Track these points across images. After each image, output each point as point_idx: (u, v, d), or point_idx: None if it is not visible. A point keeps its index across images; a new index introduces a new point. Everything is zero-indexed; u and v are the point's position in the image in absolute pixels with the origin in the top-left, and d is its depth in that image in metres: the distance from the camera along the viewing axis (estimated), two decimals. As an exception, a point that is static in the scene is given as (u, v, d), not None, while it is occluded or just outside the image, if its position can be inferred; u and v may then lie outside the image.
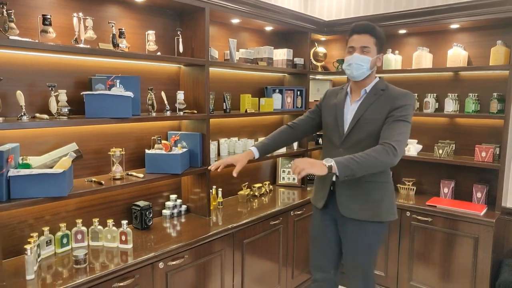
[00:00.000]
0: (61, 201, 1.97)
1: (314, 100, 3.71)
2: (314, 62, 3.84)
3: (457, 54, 3.12)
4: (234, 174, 2.09)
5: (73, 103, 2.13)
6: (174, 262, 2.18)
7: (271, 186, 3.50)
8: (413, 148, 3.34)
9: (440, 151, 3.18)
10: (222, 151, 3.00)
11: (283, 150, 3.32)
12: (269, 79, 3.59)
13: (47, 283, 1.77)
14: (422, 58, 3.28)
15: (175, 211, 2.73)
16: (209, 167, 2.12)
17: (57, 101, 2.00)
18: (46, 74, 2.11)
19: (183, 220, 2.68)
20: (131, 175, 2.37)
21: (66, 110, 2.01)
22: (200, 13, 2.58)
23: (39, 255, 1.97)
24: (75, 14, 2.08)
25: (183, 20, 2.71)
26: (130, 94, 2.15)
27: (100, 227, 2.22)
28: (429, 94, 3.28)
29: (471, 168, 3.16)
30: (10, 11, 1.81)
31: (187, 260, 2.27)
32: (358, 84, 2.05)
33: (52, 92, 1.99)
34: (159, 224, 2.56)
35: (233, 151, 3.11)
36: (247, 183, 3.29)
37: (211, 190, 2.81)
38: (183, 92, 2.62)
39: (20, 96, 1.86)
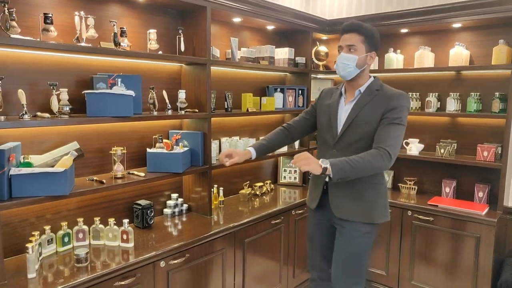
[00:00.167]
0: (63, 200, 1.97)
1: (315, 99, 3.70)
2: (316, 61, 3.83)
3: (459, 53, 3.11)
4: (227, 164, 2.08)
5: (75, 102, 2.13)
6: (175, 261, 2.19)
7: (272, 185, 3.50)
8: (414, 148, 3.34)
9: (442, 151, 3.17)
10: (224, 150, 3.00)
11: (284, 149, 3.32)
12: (270, 78, 3.59)
13: (49, 282, 1.77)
14: (424, 57, 3.27)
15: (176, 210, 2.73)
16: (226, 164, 2.09)
17: (59, 100, 2.00)
18: (47, 72, 2.11)
19: (184, 219, 2.68)
20: (132, 174, 2.37)
21: (68, 109, 2.01)
22: (201, 12, 2.57)
23: (40, 254, 1.97)
24: (76, 13, 2.08)
25: (185, 19, 2.71)
26: (131, 93, 2.14)
27: (101, 226, 2.22)
28: (431, 94, 3.28)
29: (472, 168, 3.15)
30: (12, 10, 1.81)
31: (188, 259, 2.27)
32: (351, 84, 2.03)
33: (54, 90, 1.99)
34: (160, 223, 2.56)
35: (235, 150, 3.11)
36: (248, 182, 3.29)
37: (212, 189, 2.81)
38: (184, 91, 2.61)
39: (22, 95, 1.86)
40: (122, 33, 2.26)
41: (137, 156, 2.57)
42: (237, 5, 2.74)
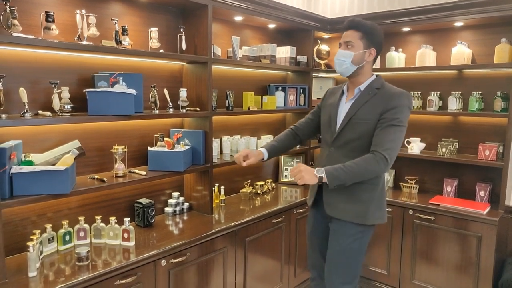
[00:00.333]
0: (64, 198, 1.97)
1: (317, 98, 3.70)
2: (317, 60, 3.83)
3: (461, 52, 3.10)
4: (244, 165, 2.09)
5: (76, 100, 2.13)
6: (176, 260, 2.18)
7: (273, 184, 3.49)
8: (416, 147, 3.33)
9: (444, 150, 3.16)
10: (225, 149, 3.00)
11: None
12: (272, 77, 3.58)
13: (50, 280, 1.77)
14: (426, 56, 3.26)
15: (178, 208, 2.73)
16: (242, 164, 2.09)
17: (60, 98, 2.00)
18: (49, 71, 2.11)
19: (185, 217, 2.68)
20: (133, 172, 2.37)
21: (69, 107, 2.01)
22: (203, 10, 2.57)
23: (41, 252, 1.97)
24: (78, 11, 2.08)
25: (186, 17, 2.70)
26: (132, 91, 2.14)
27: (102, 224, 2.22)
28: (433, 92, 3.27)
29: (474, 167, 3.15)
30: (13, 8, 1.80)
31: (190, 258, 2.27)
32: (352, 82, 2.02)
33: (55, 89, 1.99)
34: (162, 222, 2.56)
35: (236, 148, 3.10)
36: (249, 181, 3.29)
37: (213, 188, 2.81)
38: (185, 89, 2.61)
39: (23, 93, 1.86)
40: (124, 31, 2.25)
41: (138, 155, 2.57)
42: (238, 3, 2.73)
